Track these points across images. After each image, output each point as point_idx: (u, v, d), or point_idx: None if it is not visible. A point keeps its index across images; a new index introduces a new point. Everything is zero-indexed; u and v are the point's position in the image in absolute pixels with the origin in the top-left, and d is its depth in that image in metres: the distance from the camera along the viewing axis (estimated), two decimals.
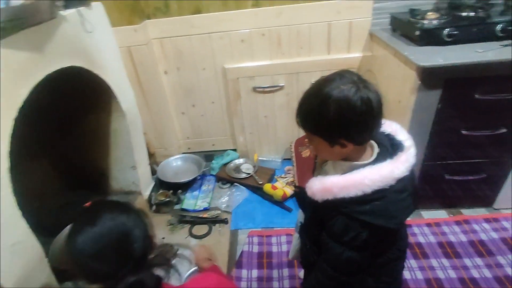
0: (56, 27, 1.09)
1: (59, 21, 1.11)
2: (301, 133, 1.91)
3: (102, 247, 0.72)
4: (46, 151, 1.64)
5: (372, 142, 0.76)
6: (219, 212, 1.86)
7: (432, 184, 1.67)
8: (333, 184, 0.68)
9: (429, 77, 1.33)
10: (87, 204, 0.83)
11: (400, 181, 0.68)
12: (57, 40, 1.08)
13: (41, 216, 1.57)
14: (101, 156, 1.69)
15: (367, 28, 1.79)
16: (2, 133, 0.83)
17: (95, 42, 1.32)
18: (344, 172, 0.72)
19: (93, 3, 1.36)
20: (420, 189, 1.67)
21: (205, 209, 1.88)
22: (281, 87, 1.96)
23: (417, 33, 1.44)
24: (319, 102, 0.68)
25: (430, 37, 1.42)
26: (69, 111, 1.54)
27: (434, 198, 1.73)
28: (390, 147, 0.75)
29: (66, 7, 1.22)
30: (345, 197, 0.66)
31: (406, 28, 1.56)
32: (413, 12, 1.58)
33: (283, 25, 1.80)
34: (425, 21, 1.45)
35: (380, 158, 0.72)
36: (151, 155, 2.11)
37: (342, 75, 0.69)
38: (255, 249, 1.62)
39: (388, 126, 0.80)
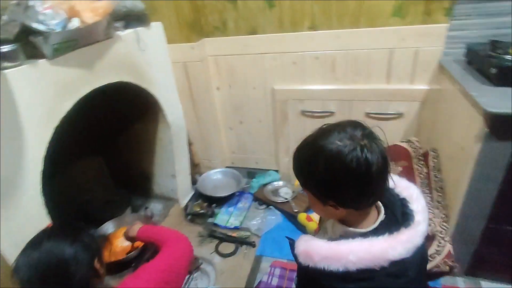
0: (109, 46, 1.20)
1: (114, 40, 1.23)
2: None
3: (35, 273, 0.74)
4: (102, 150, 1.84)
5: (380, 205, 0.64)
6: (248, 233, 1.82)
7: (499, 250, 1.37)
8: (315, 250, 0.59)
9: (501, 125, 1.10)
10: (49, 224, 0.87)
11: (397, 264, 0.55)
12: (108, 58, 1.20)
13: (90, 208, 1.76)
14: (147, 161, 1.82)
15: (436, 58, 1.57)
16: (40, 140, 0.94)
17: (147, 59, 1.42)
18: (341, 236, 0.63)
19: (153, 23, 1.48)
20: (483, 252, 1.38)
21: (236, 228, 1.87)
22: (332, 113, 1.85)
23: (493, 70, 1.21)
24: (310, 155, 0.61)
25: (510, 77, 1.17)
26: (122, 117, 1.70)
27: (500, 267, 1.41)
28: (401, 216, 0.63)
29: (126, 27, 1.35)
30: (325, 269, 0.57)
31: (482, 62, 1.32)
32: (494, 44, 1.33)
33: (340, 49, 1.70)
34: (507, 57, 1.21)
35: (382, 228, 0.60)
36: (195, 165, 2.20)
37: (343, 127, 0.61)
38: (275, 281, 1.53)
39: (405, 190, 0.67)
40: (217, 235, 1.82)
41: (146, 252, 1.52)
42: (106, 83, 1.20)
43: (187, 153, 1.90)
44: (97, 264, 0.85)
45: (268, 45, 1.79)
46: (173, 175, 1.81)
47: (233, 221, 1.91)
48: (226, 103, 2.06)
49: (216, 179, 2.17)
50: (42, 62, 0.95)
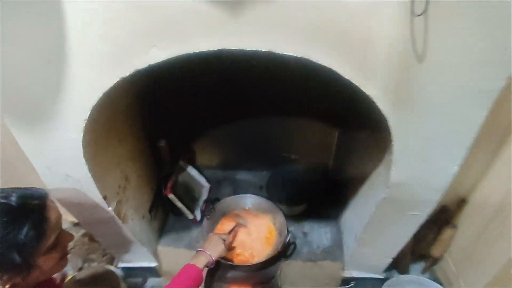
0: None
1: None
2: None
3: None
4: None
5: None
6: None
7: None
8: None
9: None
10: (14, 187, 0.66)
11: None
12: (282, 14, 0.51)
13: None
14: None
15: None
16: (95, 87, 0.62)
17: (429, 38, 0.53)
18: None
19: None
20: None
21: None
22: None
23: None
24: None
25: None
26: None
27: None
28: None
29: None
30: None
31: None
32: None
33: None
34: None
35: None
36: (431, 258, 1.16)
37: None
38: None
39: None
40: None
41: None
42: (262, 49, 0.57)
43: (404, 238, 0.95)
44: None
45: None
46: (356, 239, 1.03)
47: None
48: None
49: None
50: None
